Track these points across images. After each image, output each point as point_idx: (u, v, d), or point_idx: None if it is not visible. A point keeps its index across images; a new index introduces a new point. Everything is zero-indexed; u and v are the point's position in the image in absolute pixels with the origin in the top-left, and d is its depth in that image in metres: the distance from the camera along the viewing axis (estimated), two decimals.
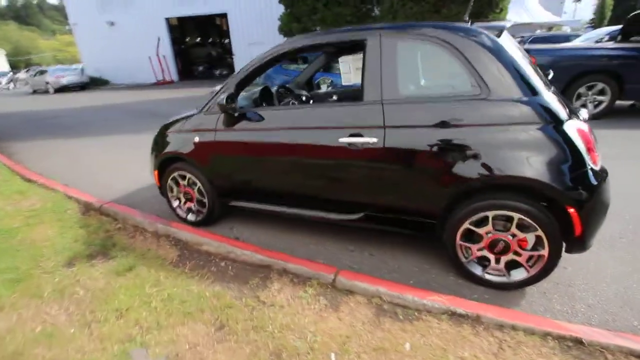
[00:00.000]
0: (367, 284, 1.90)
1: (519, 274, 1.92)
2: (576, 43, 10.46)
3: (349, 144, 2.02)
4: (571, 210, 1.70)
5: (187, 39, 24.95)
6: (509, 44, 1.87)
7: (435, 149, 1.85)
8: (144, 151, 5.29)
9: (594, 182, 1.71)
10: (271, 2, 15.78)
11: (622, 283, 1.98)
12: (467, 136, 1.79)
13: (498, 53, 1.79)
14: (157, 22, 19.64)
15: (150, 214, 3.03)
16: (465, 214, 1.89)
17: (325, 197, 2.27)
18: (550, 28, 16.60)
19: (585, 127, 1.77)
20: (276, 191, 2.44)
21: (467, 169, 1.80)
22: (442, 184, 1.88)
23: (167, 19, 19.86)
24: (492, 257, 1.94)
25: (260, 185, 2.48)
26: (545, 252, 1.81)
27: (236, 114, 2.35)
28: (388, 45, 1.97)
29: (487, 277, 1.98)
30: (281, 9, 11.95)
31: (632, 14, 6.65)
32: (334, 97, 3.58)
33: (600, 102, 5.72)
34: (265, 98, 2.85)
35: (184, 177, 2.76)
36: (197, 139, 2.55)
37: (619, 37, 6.53)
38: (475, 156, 1.78)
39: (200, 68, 22.92)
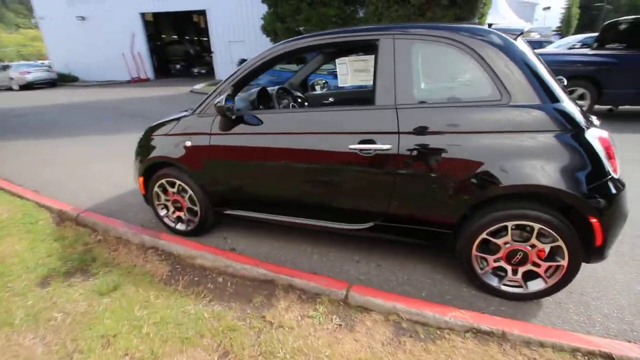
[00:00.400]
0: (382, 300, 1.77)
1: (536, 285, 1.85)
2: (549, 49, 10.88)
3: (360, 150, 1.90)
4: (593, 220, 1.65)
5: (164, 36, 24.15)
6: (527, 49, 1.80)
7: (453, 156, 1.75)
8: (123, 153, 4.96)
9: (615, 191, 1.66)
10: (253, 1, 15.49)
11: (632, 289, 1.96)
12: (487, 143, 1.71)
13: (519, 58, 1.72)
14: (131, 17, 18.85)
15: (134, 224, 2.78)
16: (484, 224, 1.80)
17: (332, 206, 2.13)
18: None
19: (605, 134, 1.72)
20: (278, 199, 2.28)
21: (488, 178, 1.71)
22: (460, 193, 1.78)
23: (142, 15, 19.11)
24: (509, 268, 1.86)
25: (260, 193, 2.30)
26: (564, 262, 1.75)
27: (234, 117, 2.17)
28: (402, 48, 1.86)
29: (504, 288, 1.90)
30: (264, 7, 11.71)
31: (607, 22, 6.93)
32: (331, 99, 3.45)
33: (580, 107, 5.90)
34: (263, 100, 2.68)
35: (172, 184, 2.54)
36: (189, 143, 2.35)
37: (595, 45, 6.80)
38: (497, 164, 1.69)
39: (178, 66, 22.23)
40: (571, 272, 1.76)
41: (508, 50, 1.73)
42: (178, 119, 2.47)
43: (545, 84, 1.70)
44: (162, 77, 20.09)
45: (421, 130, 1.80)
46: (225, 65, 17.69)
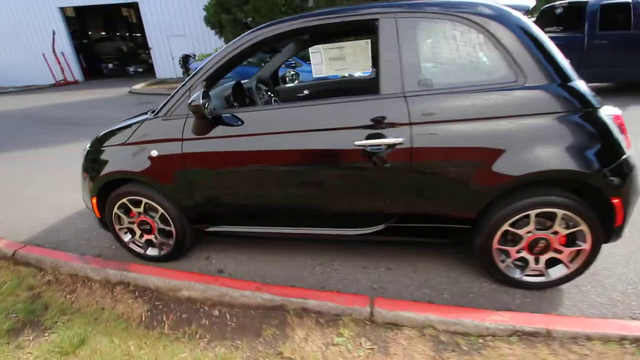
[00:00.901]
0: (413, 312, 1.59)
1: (557, 272, 1.78)
2: None
3: (368, 146, 1.67)
4: (616, 200, 1.60)
5: (91, 33, 21.80)
6: (536, 27, 1.68)
7: (471, 145, 1.60)
8: (56, 168, 4.25)
9: (631, 170, 1.62)
10: None
11: (636, 262, 1.99)
12: (506, 129, 1.57)
13: (531, 35, 1.59)
14: (49, 12, 16.64)
15: (91, 255, 2.31)
16: (506, 214, 1.68)
17: (338, 211, 1.89)
18: None
19: (618, 111, 1.67)
20: (273, 209, 1.98)
21: (510, 166, 1.58)
22: (481, 185, 1.64)
23: (62, 9, 16.96)
24: (531, 257, 1.78)
25: (250, 203, 1.99)
26: (587, 246, 1.69)
27: (211, 117, 1.82)
28: (406, 28, 1.64)
29: (526, 279, 1.82)
30: None
31: (544, 7, 7.39)
32: (305, 92, 3.17)
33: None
34: (238, 96, 2.33)
35: (137, 203, 2.12)
36: (154, 153, 1.95)
37: None
38: (518, 151, 1.57)
39: (110, 65, 20.18)
40: (593, 255, 1.71)
41: (521, 28, 1.59)
42: (136, 124, 2.05)
43: (557, 63, 1.60)
44: (93, 79, 18.09)
45: (434, 119, 1.61)
46: (165, 63, 16.38)
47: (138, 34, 21.24)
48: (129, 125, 2.08)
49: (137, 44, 22.27)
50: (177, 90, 1.94)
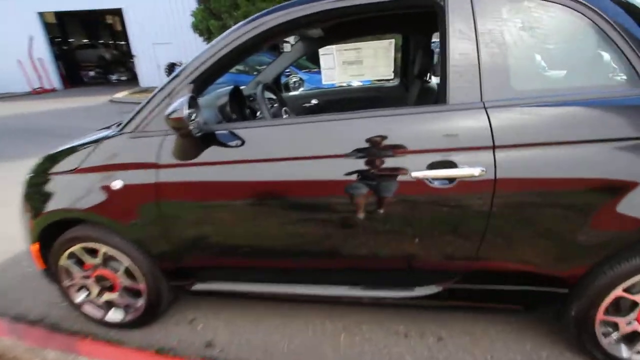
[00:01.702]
0: None
1: None
2: None
3: (431, 179, 1.14)
4: None
5: (72, 40, 21.01)
6: None
7: (586, 175, 1.09)
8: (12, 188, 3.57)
9: None
10: None
11: None
12: (636, 153, 1.08)
13: None
14: (26, 17, 15.82)
15: (30, 323, 1.69)
16: (623, 274, 1.18)
17: (380, 266, 1.36)
18: None
19: None
20: (287, 261, 1.42)
21: None
22: (596, 232, 1.13)
23: (41, 14, 16.18)
24: None
25: (254, 252, 1.42)
26: None
27: (199, 134, 1.26)
28: (488, 10, 1.15)
29: (636, 358, 1.31)
30: (192, 3, 10.39)
31: None
32: (314, 101, 2.65)
33: None
34: (238, 106, 1.77)
35: (93, 252, 1.54)
36: (118, 184, 1.37)
37: None
38: None
39: (92, 73, 19.37)
40: None
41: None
42: (91, 144, 1.48)
43: None
44: (73, 87, 17.21)
45: (531, 141, 1.11)
46: (150, 71, 15.67)
47: (122, 42, 20.54)
48: (85, 144, 1.51)
49: (121, 52, 21.55)
50: (153, 97, 1.38)
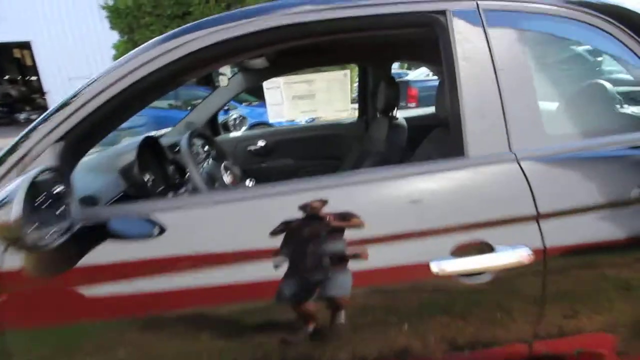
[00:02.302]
0: None
1: None
2: None
3: (460, 275, 0.76)
4: None
5: None
6: None
7: None
8: None
9: None
10: (96, 28, 12.90)
11: None
12: None
13: None
14: None
15: None
16: None
17: None
18: None
19: None
20: None
21: None
22: None
23: None
24: None
25: None
26: None
27: (76, 230, 0.73)
28: (504, 30, 0.84)
29: None
30: (113, 35, 9.53)
31: None
32: (260, 143, 2.21)
33: None
34: (153, 165, 1.24)
35: None
36: None
37: None
38: None
39: None
40: None
41: None
42: None
43: None
44: None
45: (591, 204, 0.79)
46: None
47: (34, 77, 18.32)
48: None
49: (30, 88, 19.23)
50: None
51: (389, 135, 1.74)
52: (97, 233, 0.77)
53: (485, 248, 0.76)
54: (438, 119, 1.25)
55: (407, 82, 8.57)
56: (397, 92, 1.80)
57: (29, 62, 19.75)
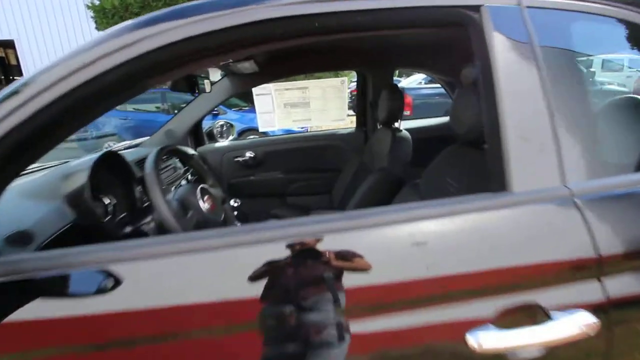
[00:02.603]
0: None
1: None
2: None
3: (505, 351, 0.58)
4: None
5: None
6: None
7: None
8: None
9: None
10: (83, 27, 12.59)
11: None
12: None
13: None
14: None
15: None
16: None
17: None
18: None
19: None
20: None
21: None
22: None
23: None
24: None
25: None
26: None
27: None
28: (552, 31, 0.68)
29: None
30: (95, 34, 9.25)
31: None
32: (249, 154, 2.03)
33: None
34: (119, 183, 1.03)
35: None
36: None
37: None
38: None
39: None
40: None
41: None
42: None
43: None
44: None
45: None
46: None
47: (17, 77, 17.79)
48: None
49: None
50: None
51: (392, 148, 1.57)
52: (20, 287, 0.57)
53: (537, 314, 0.58)
54: (446, 132, 1.10)
55: (402, 90, 8.48)
56: (401, 101, 1.63)
57: (12, 61, 19.19)
